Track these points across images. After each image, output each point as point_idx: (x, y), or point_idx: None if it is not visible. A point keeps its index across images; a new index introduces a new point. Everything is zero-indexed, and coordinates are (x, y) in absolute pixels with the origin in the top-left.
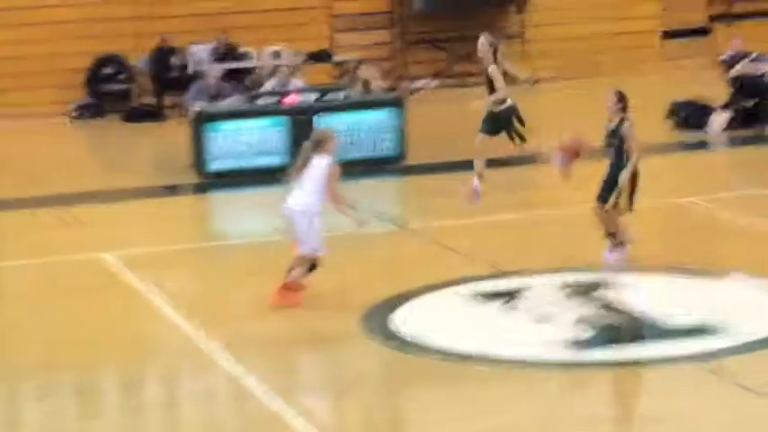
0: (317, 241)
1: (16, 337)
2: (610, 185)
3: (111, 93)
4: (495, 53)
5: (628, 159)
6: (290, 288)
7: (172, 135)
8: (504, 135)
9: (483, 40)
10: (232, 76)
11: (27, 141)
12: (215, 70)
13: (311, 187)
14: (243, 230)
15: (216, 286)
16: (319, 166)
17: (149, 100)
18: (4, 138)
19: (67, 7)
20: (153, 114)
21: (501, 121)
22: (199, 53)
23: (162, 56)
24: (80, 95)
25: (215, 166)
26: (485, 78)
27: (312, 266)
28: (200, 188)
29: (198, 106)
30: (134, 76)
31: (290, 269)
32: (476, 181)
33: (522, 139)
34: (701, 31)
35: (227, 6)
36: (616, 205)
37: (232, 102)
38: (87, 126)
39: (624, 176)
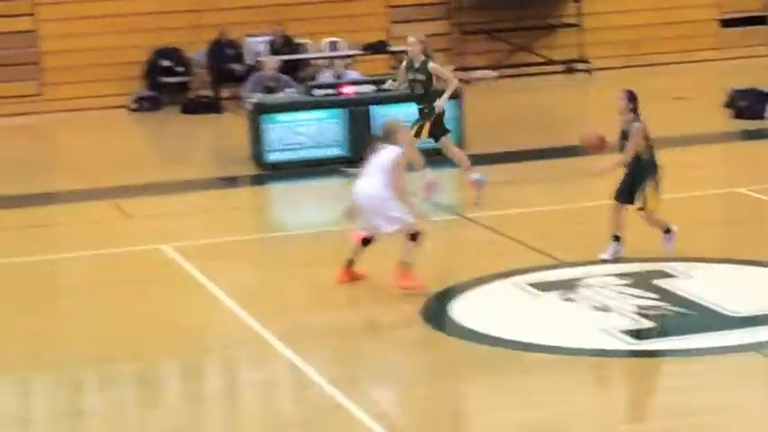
0: (401, 213)
1: (76, 329)
2: (627, 185)
3: (169, 85)
4: (425, 51)
5: (640, 159)
6: (404, 271)
7: (229, 127)
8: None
9: (413, 39)
10: (289, 67)
11: (86, 134)
12: (272, 62)
13: (379, 176)
14: (300, 221)
15: (274, 277)
16: (388, 155)
17: (207, 92)
18: (63, 130)
19: (126, 0)
20: (210, 106)
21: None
22: (256, 45)
23: (219, 48)
24: (139, 88)
25: (272, 157)
26: (423, 76)
27: (413, 237)
28: (258, 180)
29: (255, 98)
30: (192, 69)
31: (351, 258)
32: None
33: (418, 134)
34: (759, 19)
35: None
36: (644, 206)
37: (289, 93)
38: (145, 118)
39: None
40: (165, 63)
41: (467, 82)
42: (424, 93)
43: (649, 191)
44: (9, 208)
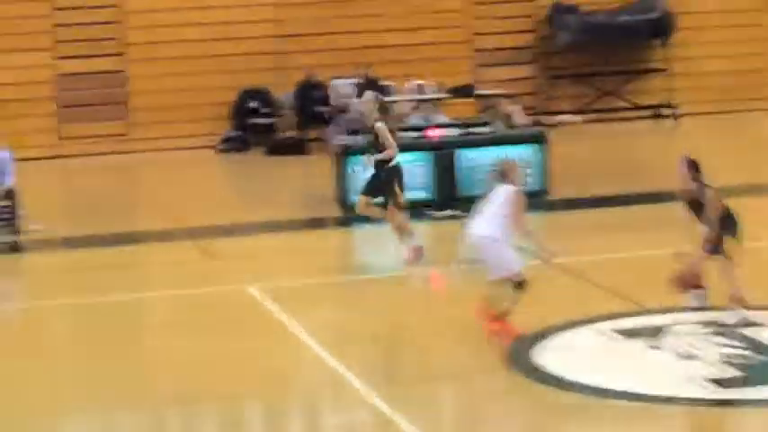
0: (511, 261)
1: (160, 369)
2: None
3: (255, 126)
4: (381, 109)
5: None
6: (501, 318)
7: (315, 168)
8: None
9: (368, 96)
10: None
11: (172, 174)
12: (358, 104)
13: (493, 215)
14: (384, 264)
15: (358, 319)
16: (504, 194)
17: (293, 133)
18: (150, 170)
19: (213, 42)
20: (296, 147)
21: (382, 182)
22: (342, 87)
23: (306, 90)
24: (225, 128)
25: (356, 199)
26: (372, 136)
27: (519, 285)
28: (343, 222)
29: (341, 140)
30: (278, 110)
31: (487, 297)
32: (411, 244)
33: (398, 205)
34: None
35: (370, 41)
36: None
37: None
38: (232, 159)
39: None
40: (253, 104)
41: (553, 126)
42: (376, 153)
43: (731, 245)
44: (95, 247)
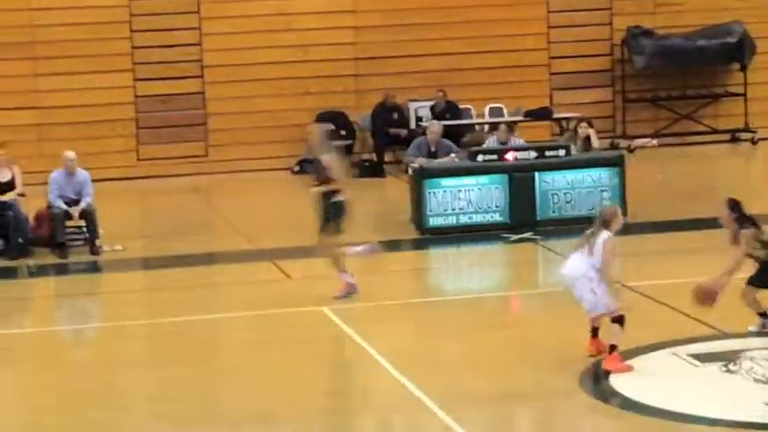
0: (607, 299)
1: (235, 387)
2: (762, 276)
3: None
4: (326, 141)
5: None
6: (612, 353)
7: (391, 190)
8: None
9: (315, 129)
10: (452, 132)
11: (249, 195)
12: (435, 127)
13: (588, 258)
14: (459, 287)
15: (432, 341)
16: (602, 238)
17: (370, 155)
18: (228, 191)
19: (292, 64)
20: (373, 170)
21: (331, 214)
22: (419, 110)
23: (383, 112)
24: (302, 150)
25: (434, 222)
26: (316, 167)
27: (619, 320)
28: (419, 244)
29: (418, 163)
30: (355, 132)
31: (594, 330)
32: (346, 277)
33: (338, 230)
34: None
35: (448, 64)
36: None
37: (452, 159)
38: (308, 181)
39: None
40: (329, 126)
41: (630, 150)
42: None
43: None
44: (173, 267)
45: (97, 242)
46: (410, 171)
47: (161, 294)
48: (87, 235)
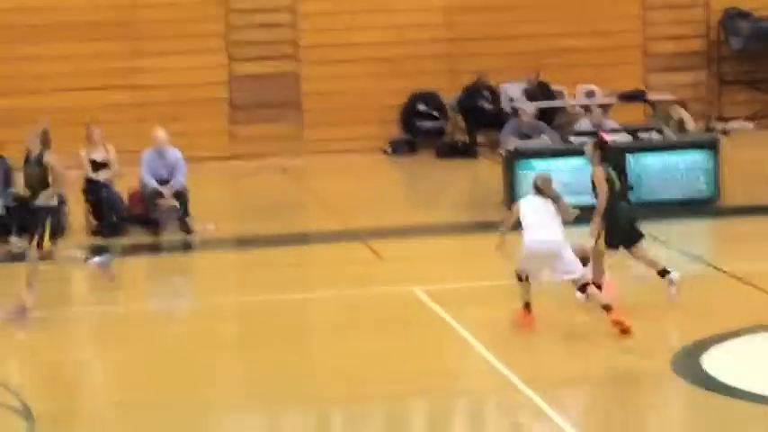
0: (576, 263)
1: (325, 367)
2: None
3: (425, 129)
4: (45, 141)
5: None
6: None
7: (484, 172)
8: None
9: (32, 133)
10: (545, 114)
11: (342, 175)
12: (529, 108)
13: (554, 223)
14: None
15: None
16: (551, 206)
17: (462, 137)
18: (319, 172)
19: (384, 45)
20: (465, 151)
21: (35, 217)
22: (512, 91)
23: (475, 93)
24: (395, 131)
25: None
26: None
27: (584, 288)
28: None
29: (511, 144)
30: (448, 113)
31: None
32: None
33: (40, 243)
34: None
35: (541, 45)
36: None
37: (545, 140)
38: (401, 161)
39: None
40: (422, 107)
41: (725, 132)
42: (37, 190)
43: None
44: (265, 247)
45: (189, 221)
46: (504, 152)
47: (253, 273)
48: (180, 214)
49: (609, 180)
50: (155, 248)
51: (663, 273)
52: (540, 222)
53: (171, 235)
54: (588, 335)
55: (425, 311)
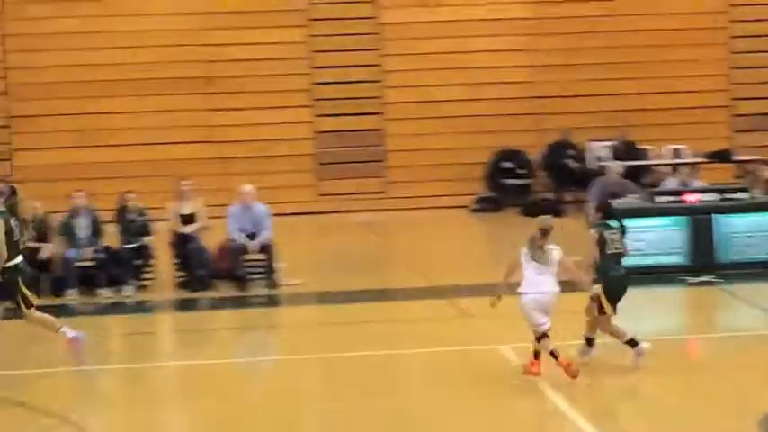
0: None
1: (409, 424)
2: None
3: (510, 186)
4: (12, 198)
5: None
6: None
7: (570, 230)
8: None
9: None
10: (631, 173)
11: (426, 232)
12: (615, 167)
13: (551, 273)
14: (638, 329)
15: (607, 382)
16: (558, 254)
17: (548, 194)
18: (406, 228)
19: (470, 102)
20: (551, 209)
21: (6, 287)
22: (598, 150)
23: (561, 151)
24: (480, 188)
25: None
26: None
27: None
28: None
29: (598, 203)
30: (533, 171)
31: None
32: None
33: (27, 303)
34: None
35: (627, 104)
36: None
37: (632, 199)
38: (485, 219)
39: None
40: (507, 165)
41: None
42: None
43: None
44: (350, 303)
45: (276, 276)
46: (590, 211)
47: (337, 329)
48: (266, 268)
49: (602, 242)
50: (240, 302)
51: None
52: (537, 272)
53: (256, 289)
54: (672, 397)
55: (510, 370)
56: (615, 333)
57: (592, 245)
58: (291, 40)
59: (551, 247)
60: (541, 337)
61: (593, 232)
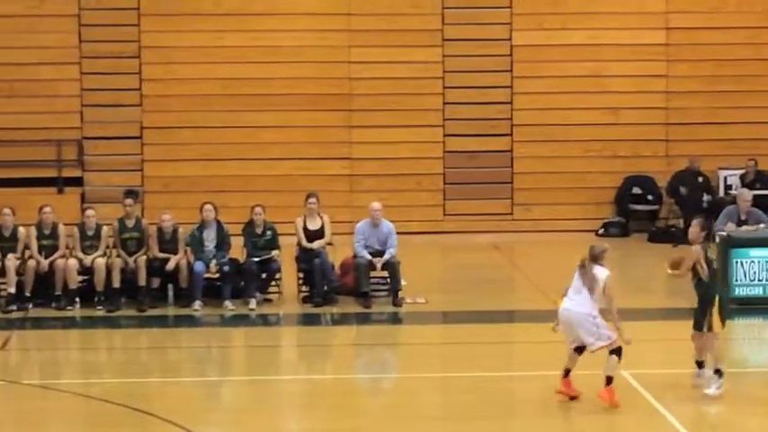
0: (607, 330)
1: None
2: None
3: (638, 212)
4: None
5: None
6: (609, 384)
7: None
8: None
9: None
10: (761, 202)
11: (552, 255)
12: (745, 195)
13: (589, 295)
14: (763, 359)
15: (735, 413)
16: (599, 275)
17: (675, 221)
18: (532, 250)
19: (601, 126)
20: (679, 236)
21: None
22: (728, 178)
23: (690, 178)
24: (608, 213)
25: (740, 292)
26: None
27: (617, 352)
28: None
29: (726, 231)
30: (662, 198)
31: (568, 370)
32: None
33: None
34: None
35: (759, 133)
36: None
37: (762, 228)
38: (612, 244)
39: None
40: (636, 190)
41: None
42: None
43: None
44: (473, 323)
45: (400, 294)
46: (717, 239)
47: (459, 349)
48: (390, 286)
49: (708, 261)
50: (363, 319)
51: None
52: (573, 291)
53: (380, 306)
54: None
55: (633, 395)
56: (715, 353)
57: (699, 259)
58: (427, 59)
59: (597, 267)
60: (573, 353)
61: (698, 248)
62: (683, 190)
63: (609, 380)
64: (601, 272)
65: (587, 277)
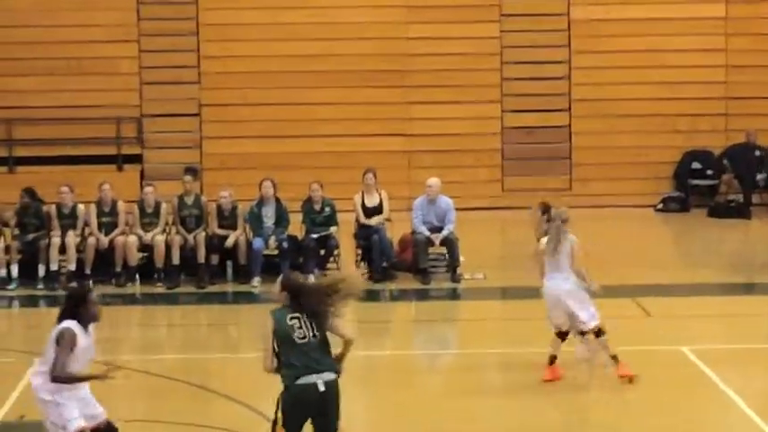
0: (592, 307)
1: (586, 421)
2: None
3: (698, 187)
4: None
5: None
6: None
7: (756, 233)
8: None
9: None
10: None
11: (611, 231)
12: None
13: (567, 265)
14: None
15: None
16: (570, 244)
17: (736, 196)
18: (591, 226)
19: (660, 101)
20: (738, 211)
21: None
22: None
23: (743, 152)
24: (667, 188)
25: None
26: None
27: (601, 332)
28: None
29: None
30: (722, 172)
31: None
32: None
33: None
34: None
35: None
36: None
37: None
38: (671, 219)
39: None
40: (696, 165)
41: None
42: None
43: None
44: (531, 298)
45: (458, 269)
46: None
47: (518, 325)
48: (448, 262)
49: None
50: (422, 295)
51: None
52: (551, 269)
53: (438, 282)
54: None
55: (693, 371)
56: None
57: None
58: (485, 34)
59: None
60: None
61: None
62: (726, 163)
63: (615, 358)
64: (571, 238)
65: (565, 237)
